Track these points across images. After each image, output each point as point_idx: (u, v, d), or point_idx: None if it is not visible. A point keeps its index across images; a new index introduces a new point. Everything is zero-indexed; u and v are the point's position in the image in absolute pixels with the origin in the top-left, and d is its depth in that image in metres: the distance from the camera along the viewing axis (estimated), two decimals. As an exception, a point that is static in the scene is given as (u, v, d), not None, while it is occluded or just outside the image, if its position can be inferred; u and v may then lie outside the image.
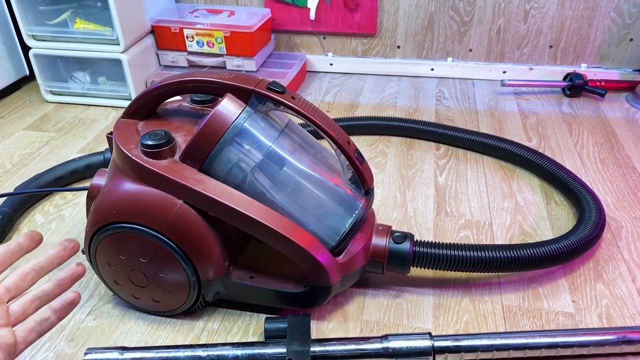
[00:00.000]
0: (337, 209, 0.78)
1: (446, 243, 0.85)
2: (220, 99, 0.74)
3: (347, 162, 0.78)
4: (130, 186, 0.74)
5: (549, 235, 0.99)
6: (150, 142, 0.73)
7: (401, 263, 0.83)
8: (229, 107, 0.73)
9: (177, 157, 0.74)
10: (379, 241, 0.83)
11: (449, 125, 1.29)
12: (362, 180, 0.79)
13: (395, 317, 0.83)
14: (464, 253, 0.83)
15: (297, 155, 0.78)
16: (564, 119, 1.41)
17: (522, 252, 0.84)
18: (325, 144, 0.81)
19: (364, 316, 0.84)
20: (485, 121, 1.41)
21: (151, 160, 0.73)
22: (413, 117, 1.43)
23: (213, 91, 0.76)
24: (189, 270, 0.75)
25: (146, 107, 0.81)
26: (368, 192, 0.81)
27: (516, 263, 0.83)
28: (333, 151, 0.80)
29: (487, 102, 1.51)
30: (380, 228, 0.84)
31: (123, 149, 0.74)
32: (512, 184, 1.14)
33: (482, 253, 0.83)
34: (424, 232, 1.01)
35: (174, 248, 0.73)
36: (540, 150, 1.24)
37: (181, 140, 0.77)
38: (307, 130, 0.86)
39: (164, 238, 0.73)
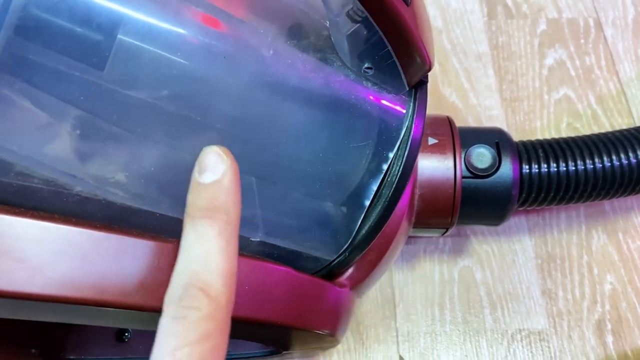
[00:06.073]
0: (331, 160, 0.25)
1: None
2: None
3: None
4: None
5: None
6: None
7: (490, 213, 0.34)
8: None
9: None
10: (436, 176, 0.32)
11: None
12: (403, 53, 0.23)
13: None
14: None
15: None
16: None
17: None
18: None
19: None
20: None
21: None
22: None
23: None
24: None
25: None
26: (418, 87, 0.26)
27: None
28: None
29: None
30: (429, 138, 0.33)
31: None
32: None
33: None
34: (472, 66, 0.49)
35: None
36: None
37: None
38: None
39: None
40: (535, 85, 0.48)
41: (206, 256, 0.18)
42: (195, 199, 0.19)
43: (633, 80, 0.48)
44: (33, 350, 0.29)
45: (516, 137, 0.37)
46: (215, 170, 0.19)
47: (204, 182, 0.19)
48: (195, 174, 0.19)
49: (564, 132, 0.46)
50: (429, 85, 0.50)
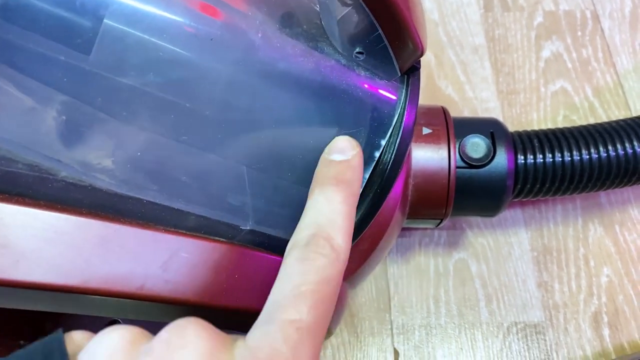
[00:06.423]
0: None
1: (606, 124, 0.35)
2: None
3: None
4: None
5: None
6: None
7: (485, 203, 0.34)
8: None
9: None
10: (430, 165, 0.32)
11: None
12: (395, 37, 0.23)
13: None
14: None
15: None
16: None
17: None
18: None
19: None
20: None
21: None
22: None
23: None
24: None
25: None
26: (410, 73, 0.26)
27: None
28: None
29: None
30: (423, 128, 0.32)
31: None
32: None
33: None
34: (468, 58, 0.48)
35: None
36: None
37: None
38: None
39: None
40: (531, 78, 0.48)
41: (332, 214, 0.20)
42: (325, 171, 0.22)
43: (630, 72, 0.48)
44: (22, 342, 0.29)
45: (512, 129, 0.36)
46: (345, 152, 0.22)
47: (335, 159, 0.22)
48: (325, 154, 0.22)
49: (561, 125, 0.46)
50: (424, 77, 0.49)
